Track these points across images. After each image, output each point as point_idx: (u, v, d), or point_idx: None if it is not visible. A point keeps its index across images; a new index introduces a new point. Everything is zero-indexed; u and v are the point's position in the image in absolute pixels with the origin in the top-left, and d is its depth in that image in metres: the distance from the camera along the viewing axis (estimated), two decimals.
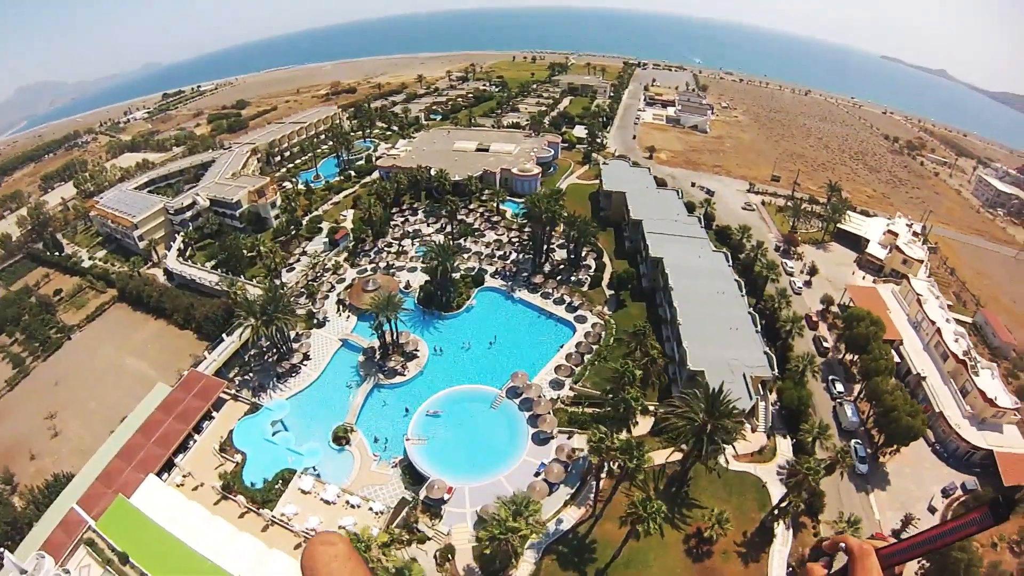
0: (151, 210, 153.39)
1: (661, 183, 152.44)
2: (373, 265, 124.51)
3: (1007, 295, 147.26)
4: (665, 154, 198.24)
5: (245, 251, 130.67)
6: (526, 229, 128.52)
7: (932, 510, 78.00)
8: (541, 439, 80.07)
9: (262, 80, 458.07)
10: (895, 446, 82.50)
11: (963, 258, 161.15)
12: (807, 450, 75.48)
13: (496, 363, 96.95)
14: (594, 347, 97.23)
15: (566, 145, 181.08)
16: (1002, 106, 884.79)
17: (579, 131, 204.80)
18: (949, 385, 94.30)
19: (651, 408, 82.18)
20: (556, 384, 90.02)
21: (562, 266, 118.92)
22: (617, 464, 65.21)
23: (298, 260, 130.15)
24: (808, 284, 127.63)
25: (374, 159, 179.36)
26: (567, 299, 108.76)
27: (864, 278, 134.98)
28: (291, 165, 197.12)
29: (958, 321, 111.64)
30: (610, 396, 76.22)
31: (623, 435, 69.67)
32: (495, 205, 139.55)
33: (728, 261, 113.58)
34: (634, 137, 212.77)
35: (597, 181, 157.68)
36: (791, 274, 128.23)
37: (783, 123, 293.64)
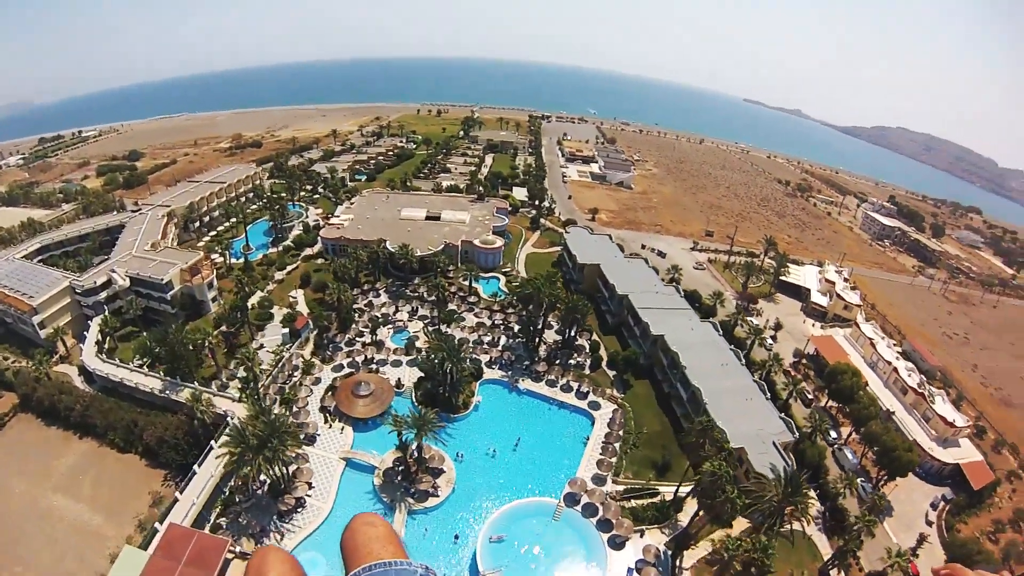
0: (53, 290, 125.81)
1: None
2: (349, 359, 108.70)
3: (915, 320, 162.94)
4: (606, 215, 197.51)
5: (190, 347, 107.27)
6: (509, 311, 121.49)
7: (929, 523, 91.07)
8: (617, 543, 74.59)
9: (151, 128, 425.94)
10: (895, 479, 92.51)
11: (875, 292, 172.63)
12: (829, 496, 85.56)
13: (527, 466, 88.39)
14: (620, 434, 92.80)
15: (511, 210, 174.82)
16: (853, 139, 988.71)
17: (518, 193, 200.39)
18: (913, 415, 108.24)
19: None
20: (598, 480, 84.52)
21: (557, 348, 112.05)
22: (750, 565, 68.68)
23: (249, 357, 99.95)
24: (774, 339, 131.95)
25: (310, 227, 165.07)
26: (574, 385, 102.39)
27: (813, 325, 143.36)
28: (213, 232, 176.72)
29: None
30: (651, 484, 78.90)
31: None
32: (468, 284, 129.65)
33: (718, 331, 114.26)
34: (569, 197, 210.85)
35: (553, 249, 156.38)
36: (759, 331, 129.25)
37: (692, 173, 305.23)
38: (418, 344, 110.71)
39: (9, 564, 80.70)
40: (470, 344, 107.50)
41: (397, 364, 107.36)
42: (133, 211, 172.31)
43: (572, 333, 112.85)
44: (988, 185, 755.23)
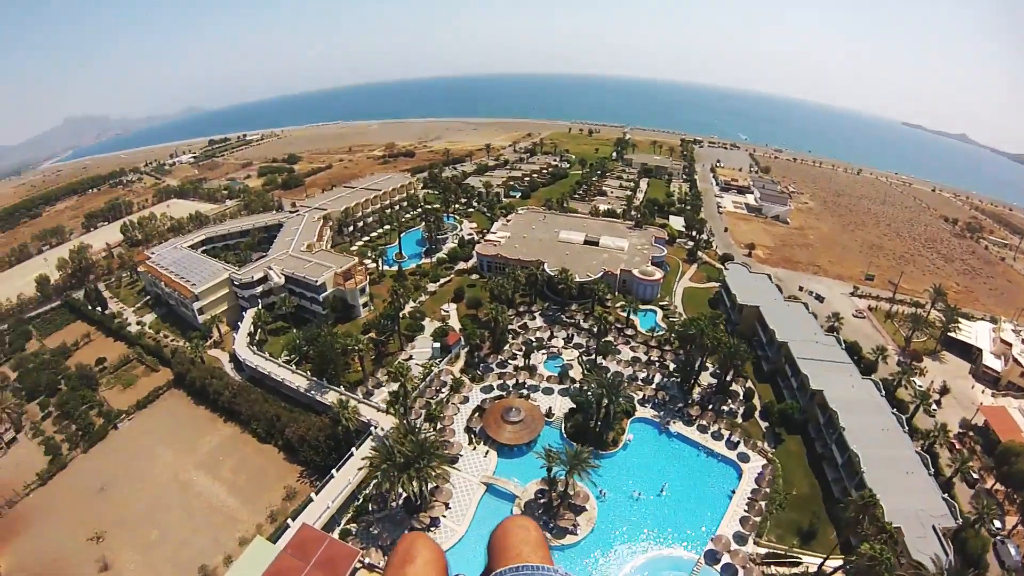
0: (214, 280, 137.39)
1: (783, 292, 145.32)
2: (500, 382, 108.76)
3: None
4: (762, 251, 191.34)
5: (339, 351, 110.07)
6: (665, 347, 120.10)
7: None
8: None
9: (308, 134, 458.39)
10: None
11: None
12: None
13: (670, 513, 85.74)
14: (767, 492, 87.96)
15: (668, 240, 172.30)
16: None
17: (675, 222, 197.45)
18: None
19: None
20: (739, 538, 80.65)
21: (711, 392, 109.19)
22: None
23: (402, 372, 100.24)
24: (939, 404, 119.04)
25: (465, 241, 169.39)
26: (724, 433, 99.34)
27: (983, 391, 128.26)
28: (367, 238, 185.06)
29: None
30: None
31: None
32: (626, 315, 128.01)
33: (880, 390, 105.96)
34: (725, 230, 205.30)
35: (711, 285, 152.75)
36: (925, 396, 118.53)
37: (850, 208, 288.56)
38: (572, 373, 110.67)
39: (147, 527, 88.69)
40: (625, 380, 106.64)
41: (549, 392, 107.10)
42: (291, 212, 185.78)
43: (728, 378, 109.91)
44: None
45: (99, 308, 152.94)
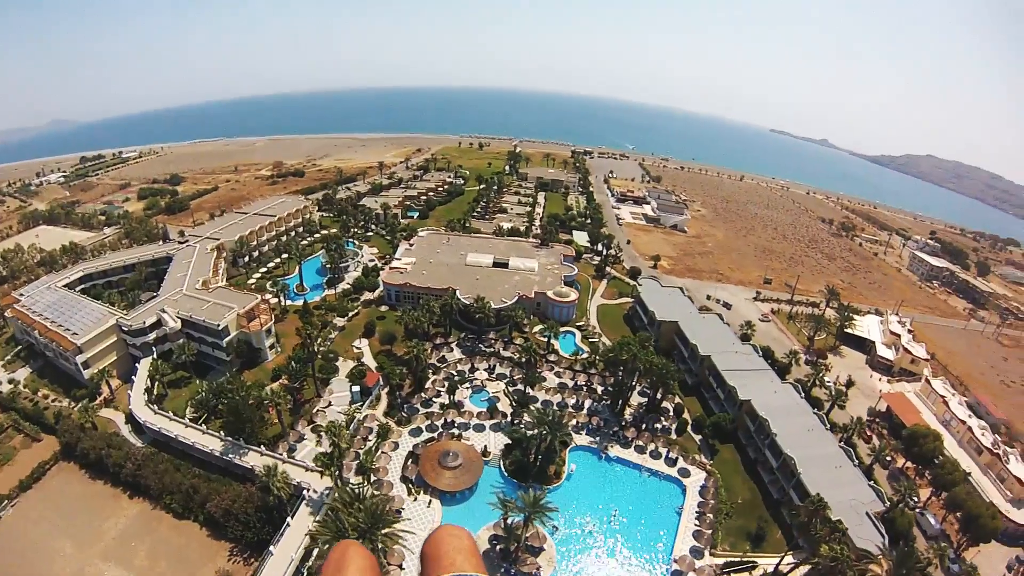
0: (99, 327, 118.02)
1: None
2: (428, 423, 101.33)
3: (975, 368, 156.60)
4: (667, 262, 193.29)
5: (254, 405, 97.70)
6: (591, 371, 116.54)
7: None
8: None
9: (190, 152, 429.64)
10: (978, 544, 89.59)
11: (932, 339, 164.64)
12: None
13: (625, 538, 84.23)
14: (713, 503, 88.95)
15: (575, 256, 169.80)
16: (882, 168, 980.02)
17: (578, 237, 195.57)
18: (988, 475, 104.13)
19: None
20: (696, 552, 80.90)
21: (643, 412, 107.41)
22: None
23: (335, 431, 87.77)
24: (845, 396, 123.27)
25: (369, 269, 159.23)
26: (662, 451, 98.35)
27: (880, 379, 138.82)
28: (264, 269, 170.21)
29: None
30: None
31: None
32: (547, 340, 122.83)
33: (800, 392, 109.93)
34: (628, 242, 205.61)
35: (623, 300, 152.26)
36: (822, 385, 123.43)
37: (739, 214, 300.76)
38: (500, 406, 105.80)
39: None
40: (560, 412, 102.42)
41: (480, 429, 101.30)
42: (180, 242, 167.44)
43: (658, 396, 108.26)
44: (1021, 212, 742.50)
45: None
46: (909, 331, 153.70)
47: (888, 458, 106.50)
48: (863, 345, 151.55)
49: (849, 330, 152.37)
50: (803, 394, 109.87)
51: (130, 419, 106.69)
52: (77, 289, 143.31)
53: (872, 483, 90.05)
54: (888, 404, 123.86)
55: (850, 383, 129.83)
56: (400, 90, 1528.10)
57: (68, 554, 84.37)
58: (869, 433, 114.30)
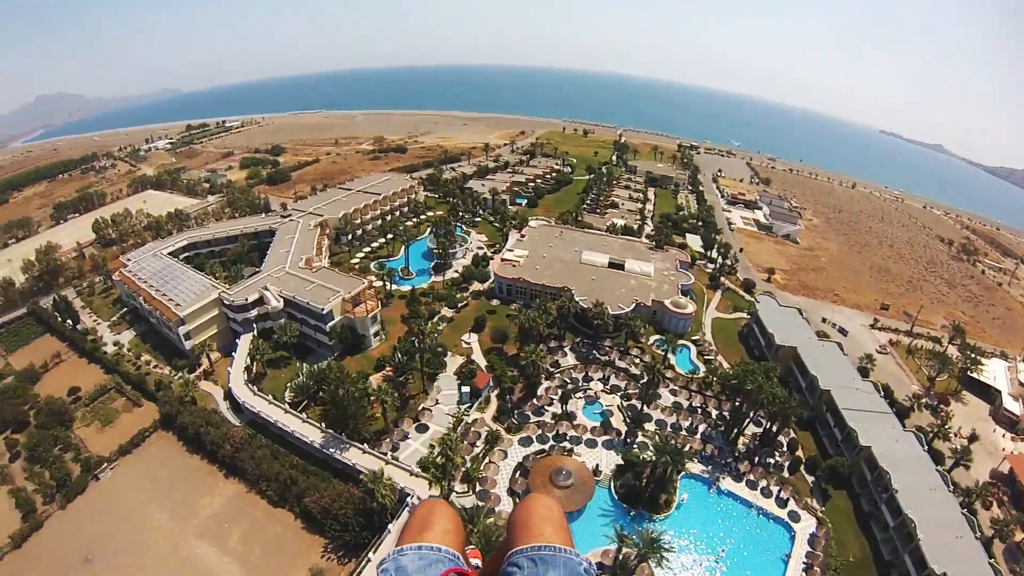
0: (202, 300, 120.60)
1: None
2: (539, 432, 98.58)
3: None
4: (781, 276, 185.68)
5: (356, 399, 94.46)
6: (707, 393, 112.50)
7: None
8: None
9: (291, 123, 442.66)
10: None
11: None
12: None
13: None
14: (821, 557, 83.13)
15: (690, 263, 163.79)
16: (1001, 181, 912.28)
17: (691, 240, 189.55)
18: None
19: None
20: None
21: (757, 445, 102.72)
22: None
23: (451, 446, 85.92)
24: (970, 455, 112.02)
25: (479, 258, 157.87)
26: (773, 490, 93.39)
27: (1004, 436, 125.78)
28: (367, 249, 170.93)
29: None
30: None
31: None
32: (664, 355, 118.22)
33: (922, 444, 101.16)
34: (741, 250, 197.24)
35: (737, 316, 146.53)
36: (945, 437, 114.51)
37: (852, 227, 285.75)
38: (612, 421, 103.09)
39: None
40: (670, 431, 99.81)
41: (592, 444, 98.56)
42: (283, 216, 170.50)
43: (774, 429, 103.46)
44: None
45: (69, 322, 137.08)
46: None
47: (1007, 530, 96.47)
48: (987, 393, 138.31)
49: (973, 375, 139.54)
50: (926, 446, 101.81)
51: (229, 396, 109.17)
52: (181, 257, 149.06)
53: (991, 560, 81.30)
54: (1012, 466, 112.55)
55: (974, 437, 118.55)
56: (499, 69, 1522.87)
57: (163, 526, 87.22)
58: (990, 499, 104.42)
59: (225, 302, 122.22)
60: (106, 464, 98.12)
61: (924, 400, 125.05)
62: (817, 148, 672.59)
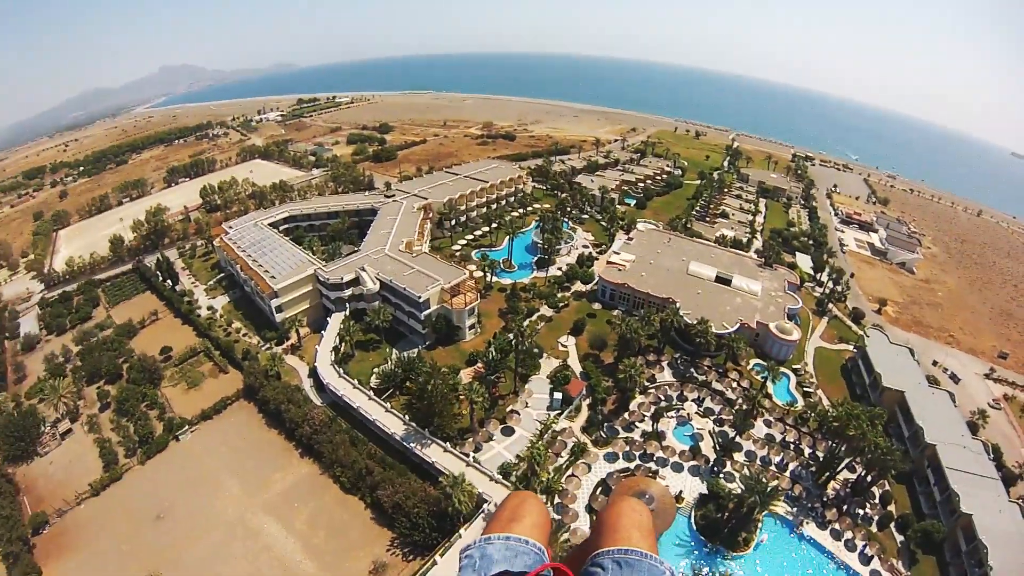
0: (298, 275, 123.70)
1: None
2: (626, 449, 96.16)
3: None
4: (892, 309, 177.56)
5: (444, 395, 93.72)
6: (803, 429, 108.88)
7: None
8: None
9: (400, 102, 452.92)
10: None
11: None
12: None
13: None
14: None
15: (798, 284, 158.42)
16: None
17: (801, 261, 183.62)
18: None
19: None
20: None
21: (847, 492, 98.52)
22: None
23: (537, 459, 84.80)
24: None
25: (584, 257, 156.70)
26: (858, 544, 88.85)
27: None
28: (470, 236, 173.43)
29: None
30: None
31: None
32: (763, 382, 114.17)
33: None
34: (852, 275, 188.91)
35: (842, 347, 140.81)
36: None
37: (975, 260, 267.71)
38: (702, 445, 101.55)
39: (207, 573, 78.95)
40: (760, 465, 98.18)
41: (678, 468, 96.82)
42: (386, 195, 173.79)
43: (868, 479, 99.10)
44: None
45: (169, 282, 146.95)
46: None
47: None
48: None
49: None
50: None
51: (313, 375, 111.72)
52: (281, 229, 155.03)
53: None
54: None
55: None
56: (609, 61, 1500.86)
57: (234, 495, 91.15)
58: None
59: (320, 279, 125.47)
60: (188, 427, 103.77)
61: None
62: (940, 166, 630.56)
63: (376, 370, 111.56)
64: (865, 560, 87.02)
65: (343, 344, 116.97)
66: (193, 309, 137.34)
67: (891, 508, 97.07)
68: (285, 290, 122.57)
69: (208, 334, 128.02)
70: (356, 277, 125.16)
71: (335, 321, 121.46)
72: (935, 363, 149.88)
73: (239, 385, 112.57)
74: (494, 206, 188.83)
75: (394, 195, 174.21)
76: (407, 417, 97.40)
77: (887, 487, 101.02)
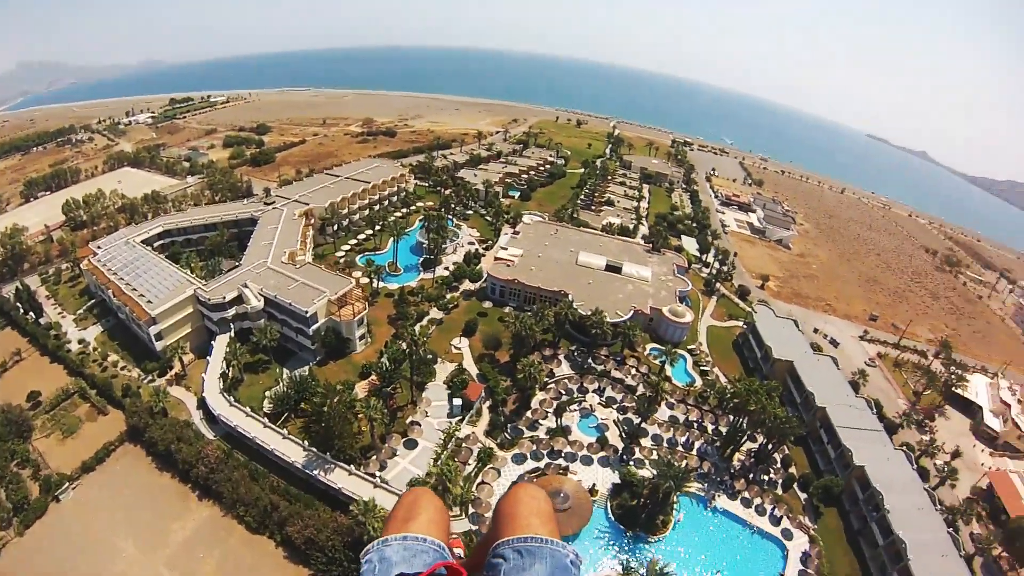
0: (176, 298, 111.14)
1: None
2: (533, 448, 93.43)
3: None
4: (774, 283, 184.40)
5: (342, 414, 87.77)
6: (704, 407, 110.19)
7: None
8: None
9: (278, 100, 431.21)
10: None
11: None
12: None
13: None
14: (810, 573, 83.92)
15: (687, 266, 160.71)
16: (982, 191, 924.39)
17: (687, 243, 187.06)
18: None
19: None
20: None
21: (752, 462, 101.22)
22: None
23: (447, 469, 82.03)
24: (956, 474, 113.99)
25: (471, 255, 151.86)
26: (767, 508, 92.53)
27: (983, 451, 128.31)
28: (354, 240, 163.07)
29: None
30: None
31: None
32: (661, 366, 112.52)
33: (912, 463, 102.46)
34: (735, 254, 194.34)
35: (732, 324, 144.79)
36: (932, 455, 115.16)
37: (842, 234, 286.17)
38: (608, 435, 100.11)
39: None
40: (666, 446, 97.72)
41: (588, 462, 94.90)
42: (265, 203, 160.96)
43: (770, 447, 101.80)
44: None
45: (32, 314, 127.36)
46: (1019, 401, 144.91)
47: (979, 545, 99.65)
48: (969, 408, 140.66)
49: (957, 390, 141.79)
50: (915, 465, 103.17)
51: (202, 405, 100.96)
52: (156, 245, 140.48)
53: None
54: (991, 482, 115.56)
55: (957, 454, 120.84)
56: (486, 53, 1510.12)
57: (130, 555, 79.06)
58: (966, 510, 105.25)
59: (201, 300, 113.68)
60: (68, 483, 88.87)
61: (911, 416, 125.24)
62: (806, 149, 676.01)
63: (268, 393, 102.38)
64: (775, 521, 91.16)
65: (231, 368, 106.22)
66: (62, 344, 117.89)
67: (792, 470, 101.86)
68: (164, 315, 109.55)
69: (81, 372, 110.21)
70: (239, 295, 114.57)
71: (220, 344, 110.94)
72: (816, 330, 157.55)
73: (122, 427, 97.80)
74: (377, 207, 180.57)
75: (274, 202, 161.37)
76: (306, 442, 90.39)
77: (786, 451, 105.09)
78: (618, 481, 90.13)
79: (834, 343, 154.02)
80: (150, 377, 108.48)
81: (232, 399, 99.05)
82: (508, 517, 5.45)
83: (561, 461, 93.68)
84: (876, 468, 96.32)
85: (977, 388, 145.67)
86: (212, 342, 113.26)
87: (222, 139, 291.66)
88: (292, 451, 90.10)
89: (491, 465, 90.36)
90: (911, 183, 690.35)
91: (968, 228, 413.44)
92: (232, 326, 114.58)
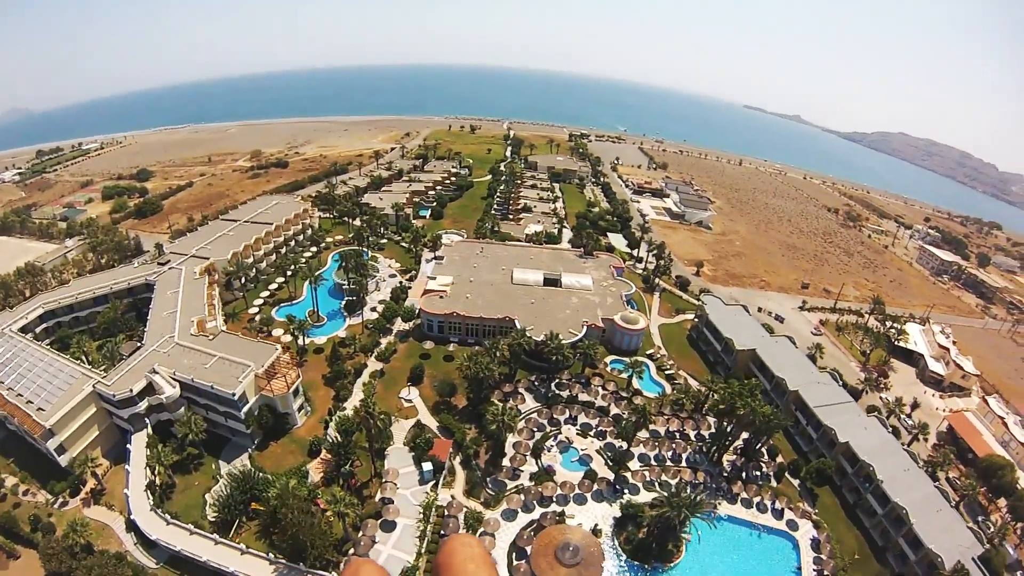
0: (72, 401, 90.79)
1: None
2: (523, 501, 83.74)
3: (1001, 371, 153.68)
4: (708, 268, 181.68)
5: (310, 511, 76.19)
6: (681, 414, 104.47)
7: None
8: None
9: (157, 141, 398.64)
10: None
11: (960, 343, 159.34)
12: None
13: None
14: (826, 559, 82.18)
15: (623, 266, 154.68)
16: (855, 145, 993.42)
17: (614, 240, 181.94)
18: None
19: None
20: None
21: (741, 460, 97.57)
22: None
23: (384, 509, 77.92)
24: (910, 417, 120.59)
25: (399, 291, 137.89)
26: (768, 503, 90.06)
27: (933, 395, 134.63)
28: (266, 293, 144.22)
29: None
30: None
31: None
32: (627, 380, 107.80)
33: (886, 427, 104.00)
34: (662, 244, 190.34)
35: (682, 319, 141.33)
36: (923, 428, 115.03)
37: (751, 205, 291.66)
38: (594, 466, 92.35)
39: None
40: (654, 463, 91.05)
41: (581, 501, 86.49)
42: (161, 263, 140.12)
43: (758, 444, 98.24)
44: (989, 190, 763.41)
45: None
46: (954, 343, 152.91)
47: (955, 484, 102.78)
48: (911, 357, 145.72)
49: (900, 343, 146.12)
50: (889, 428, 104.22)
51: (133, 528, 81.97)
52: (38, 330, 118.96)
53: (970, 525, 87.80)
54: (951, 425, 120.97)
55: (916, 405, 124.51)
56: (365, 69, 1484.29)
57: None
58: (933, 455, 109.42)
59: (104, 396, 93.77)
60: None
61: (869, 379, 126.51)
62: (691, 125, 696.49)
63: (208, 498, 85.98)
64: (778, 514, 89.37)
65: (156, 475, 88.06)
66: None
67: (779, 458, 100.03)
68: (62, 424, 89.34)
69: None
70: (148, 383, 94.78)
71: (138, 445, 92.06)
72: (760, 309, 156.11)
73: (40, 574, 76.70)
74: (284, 250, 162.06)
75: (169, 260, 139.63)
76: (271, 555, 75.22)
77: (771, 442, 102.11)
78: (619, 515, 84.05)
79: (779, 319, 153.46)
80: (60, 499, 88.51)
81: (168, 516, 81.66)
82: (445, 568, 5.17)
83: (555, 507, 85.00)
84: (859, 441, 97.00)
85: (915, 337, 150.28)
86: (128, 444, 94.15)
87: (100, 190, 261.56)
88: (258, 569, 74.63)
89: (482, 531, 79.89)
90: (791, 145, 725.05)
91: (856, 183, 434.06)
92: (147, 421, 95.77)
